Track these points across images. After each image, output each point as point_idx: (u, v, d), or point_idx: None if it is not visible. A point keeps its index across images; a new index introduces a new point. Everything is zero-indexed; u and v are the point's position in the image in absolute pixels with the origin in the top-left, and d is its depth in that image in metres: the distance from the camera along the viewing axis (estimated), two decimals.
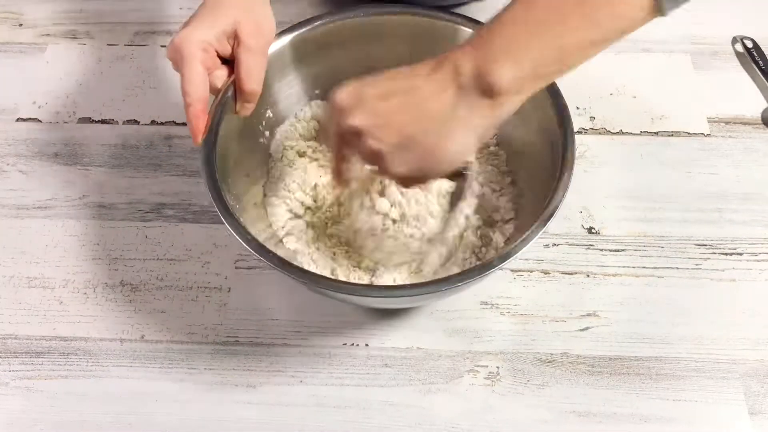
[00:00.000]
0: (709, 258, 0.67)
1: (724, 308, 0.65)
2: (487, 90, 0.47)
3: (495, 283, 0.66)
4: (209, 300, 0.66)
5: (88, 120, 0.79)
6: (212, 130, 0.59)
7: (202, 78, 0.55)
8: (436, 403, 0.60)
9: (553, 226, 0.68)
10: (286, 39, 0.66)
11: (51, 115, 0.79)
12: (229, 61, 0.59)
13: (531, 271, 0.67)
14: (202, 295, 0.66)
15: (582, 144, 0.75)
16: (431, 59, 0.50)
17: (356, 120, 0.49)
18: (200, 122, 0.56)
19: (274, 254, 0.54)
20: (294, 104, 0.70)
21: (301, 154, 0.69)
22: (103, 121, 0.78)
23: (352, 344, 0.63)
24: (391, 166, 0.50)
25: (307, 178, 0.67)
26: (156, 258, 0.68)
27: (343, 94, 0.51)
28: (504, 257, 0.53)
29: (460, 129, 0.48)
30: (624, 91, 0.80)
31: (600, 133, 0.76)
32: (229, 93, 0.60)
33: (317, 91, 0.71)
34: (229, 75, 0.59)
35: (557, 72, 0.49)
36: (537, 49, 0.47)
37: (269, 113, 0.68)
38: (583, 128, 0.77)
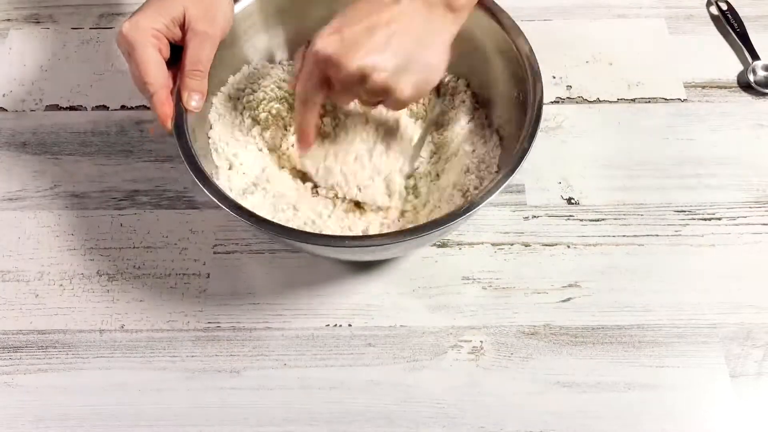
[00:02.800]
0: (688, 224, 0.68)
1: (703, 274, 0.65)
2: (451, 5, 0.53)
3: (476, 257, 0.66)
4: (188, 287, 0.65)
5: (56, 107, 0.77)
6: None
7: (160, 64, 0.55)
8: (421, 380, 0.60)
9: (532, 197, 0.69)
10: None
11: (17, 103, 0.77)
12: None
13: (511, 244, 0.67)
14: (180, 282, 0.65)
15: (559, 114, 0.75)
16: None
17: (358, 62, 0.50)
18: (167, 108, 0.55)
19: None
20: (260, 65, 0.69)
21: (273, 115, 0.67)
22: (72, 108, 0.76)
23: (335, 325, 0.63)
24: (401, 92, 0.52)
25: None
26: (132, 246, 0.67)
27: (328, 47, 0.51)
28: (469, 207, 0.53)
29: (439, 40, 0.53)
30: (600, 59, 0.79)
31: (577, 102, 0.76)
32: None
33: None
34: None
35: None
36: None
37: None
38: (560, 98, 0.76)
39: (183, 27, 0.56)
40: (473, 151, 0.64)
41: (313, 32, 0.53)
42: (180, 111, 0.57)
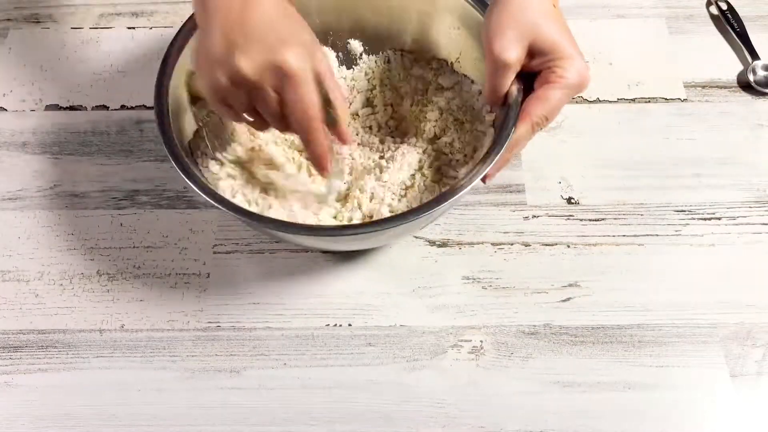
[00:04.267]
0: (688, 224, 0.68)
1: (703, 273, 0.65)
2: None
3: (476, 257, 0.66)
4: (188, 286, 0.65)
5: (56, 107, 0.77)
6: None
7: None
8: (421, 380, 0.60)
9: (532, 197, 0.69)
10: None
11: (17, 103, 0.77)
12: None
13: (511, 244, 0.67)
14: (180, 281, 0.65)
15: (559, 114, 0.74)
16: None
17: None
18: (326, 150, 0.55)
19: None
20: None
21: None
22: (72, 108, 0.76)
23: (335, 325, 0.63)
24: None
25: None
26: (132, 246, 0.67)
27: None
28: (445, 195, 0.54)
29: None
30: (600, 58, 0.79)
31: (577, 102, 0.76)
32: None
33: None
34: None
35: None
36: None
37: None
38: None
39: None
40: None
41: None
42: (162, 110, 0.58)
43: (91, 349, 0.62)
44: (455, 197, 0.53)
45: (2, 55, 0.81)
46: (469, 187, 0.54)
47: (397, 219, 0.54)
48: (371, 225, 0.55)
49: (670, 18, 0.82)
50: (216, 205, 0.54)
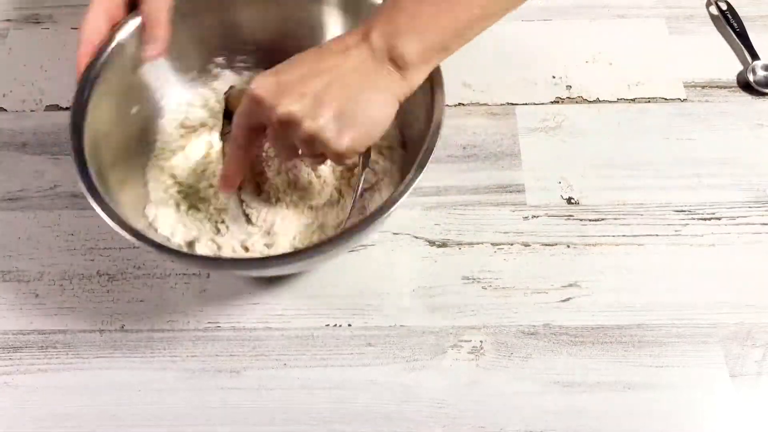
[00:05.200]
0: (688, 224, 0.68)
1: (703, 273, 0.65)
2: (398, 62, 0.50)
3: (476, 257, 0.66)
4: (188, 287, 0.65)
5: (56, 107, 0.77)
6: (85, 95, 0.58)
7: (100, 21, 0.58)
8: (421, 380, 0.60)
9: (531, 197, 0.69)
10: None
11: (17, 103, 0.77)
12: None
13: (511, 244, 0.67)
14: (181, 282, 0.65)
15: (559, 114, 0.75)
16: (338, 38, 0.52)
17: (288, 106, 0.49)
18: (82, 58, 0.58)
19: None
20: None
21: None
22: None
23: (335, 325, 0.63)
24: (334, 143, 0.50)
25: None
26: (132, 246, 0.66)
27: (261, 88, 0.50)
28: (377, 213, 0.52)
29: (382, 97, 0.51)
30: (599, 59, 0.79)
31: (577, 102, 0.76)
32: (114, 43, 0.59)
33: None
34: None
35: (459, 43, 0.52)
36: (437, 24, 0.50)
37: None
38: (560, 98, 0.76)
39: None
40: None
41: None
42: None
43: (91, 349, 0.62)
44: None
45: (2, 55, 0.81)
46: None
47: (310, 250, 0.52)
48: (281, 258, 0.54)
49: (669, 18, 0.82)
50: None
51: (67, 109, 0.76)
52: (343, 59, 0.50)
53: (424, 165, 0.53)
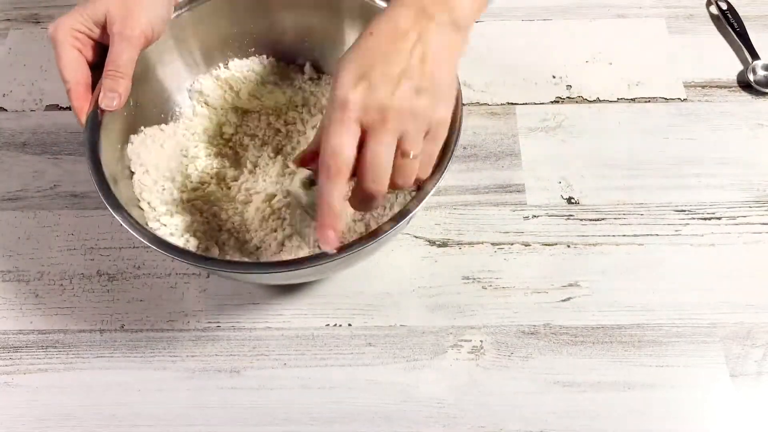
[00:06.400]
0: (688, 224, 0.68)
1: (703, 273, 0.65)
2: (459, 24, 0.50)
3: (476, 257, 0.66)
4: (188, 286, 0.65)
5: (56, 107, 0.77)
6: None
7: (77, 61, 0.56)
8: (421, 380, 0.60)
9: (532, 197, 0.69)
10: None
11: (17, 103, 0.77)
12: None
13: (511, 244, 0.67)
14: (180, 281, 0.65)
15: (559, 114, 0.75)
16: (388, 22, 0.49)
17: (392, 131, 0.47)
18: (82, 102, 0.57)
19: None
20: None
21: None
22: (72, 108, 0.76)
23: (335, 325, 0.63)
24: (436, 146, 0.50)
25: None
26: (132, 246, 0.67)
27: (357, 102, 0.46)
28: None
29: (454, 62, 0.50)
30: (599, 58, 0.79)
31: (577, 102, 0.76)
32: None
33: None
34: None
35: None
36: None
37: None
38: (560, 97, 0.76)
39: (105, 28, 0.57)
40: None
41: None
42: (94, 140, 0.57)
43: (91, 349, 0.62)
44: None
45: (2, 55, 0.81)
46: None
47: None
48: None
49: (669, 18, 0.82)
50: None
51: (66, 108, 0.76)
52: (412, 43, 0.48)
53: (444, 167, 0.53)
